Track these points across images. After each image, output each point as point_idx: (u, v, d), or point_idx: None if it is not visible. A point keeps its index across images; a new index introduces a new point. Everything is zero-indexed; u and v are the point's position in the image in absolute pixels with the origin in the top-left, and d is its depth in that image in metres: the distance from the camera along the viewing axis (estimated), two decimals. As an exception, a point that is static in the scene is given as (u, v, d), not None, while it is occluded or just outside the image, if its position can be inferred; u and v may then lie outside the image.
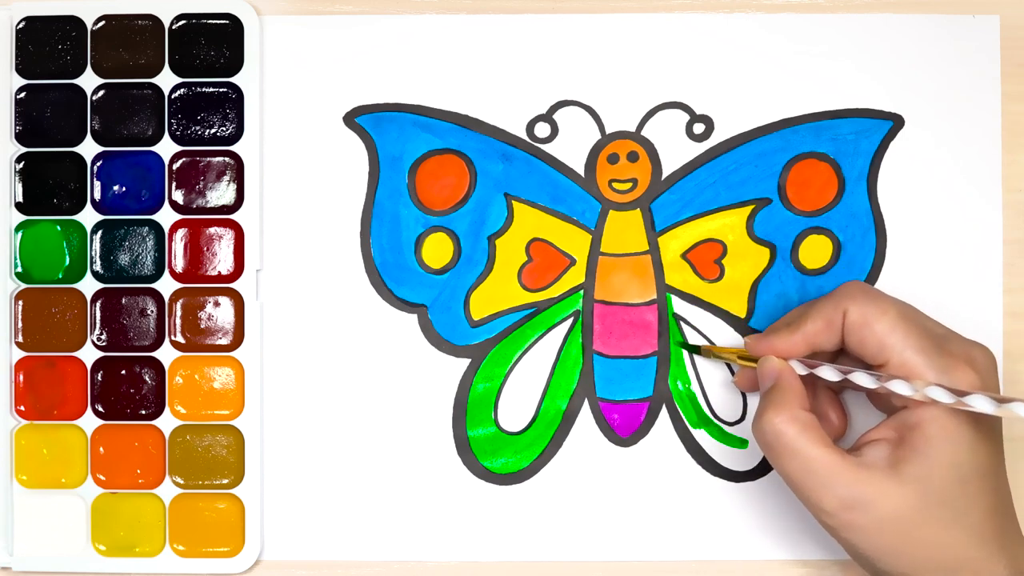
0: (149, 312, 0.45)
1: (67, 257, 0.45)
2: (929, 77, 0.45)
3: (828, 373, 0.39)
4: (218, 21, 0.45)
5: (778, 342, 0.40)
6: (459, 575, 0.45)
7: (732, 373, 0.45)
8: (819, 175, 0.45)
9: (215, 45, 0.45)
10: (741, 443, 0.45)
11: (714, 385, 0.45)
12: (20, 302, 0.45)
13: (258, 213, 0.45)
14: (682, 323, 0.45)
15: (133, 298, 0.45)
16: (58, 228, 0.45)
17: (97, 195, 0.45)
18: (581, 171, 0.45)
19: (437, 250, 0.45)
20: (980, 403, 0.36)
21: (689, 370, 0.45)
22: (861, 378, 0.38)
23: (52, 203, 0.45)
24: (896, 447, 0.38)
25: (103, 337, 0.45)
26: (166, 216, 0.45)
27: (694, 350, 0.45)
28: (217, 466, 0.45)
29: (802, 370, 0.40)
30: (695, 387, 0.45)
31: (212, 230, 0.45)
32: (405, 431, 0.45)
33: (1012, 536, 0.38)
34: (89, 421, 0.45)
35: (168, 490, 0.45)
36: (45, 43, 0.45)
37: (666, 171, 0.45)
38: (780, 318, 0.43)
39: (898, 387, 0.37)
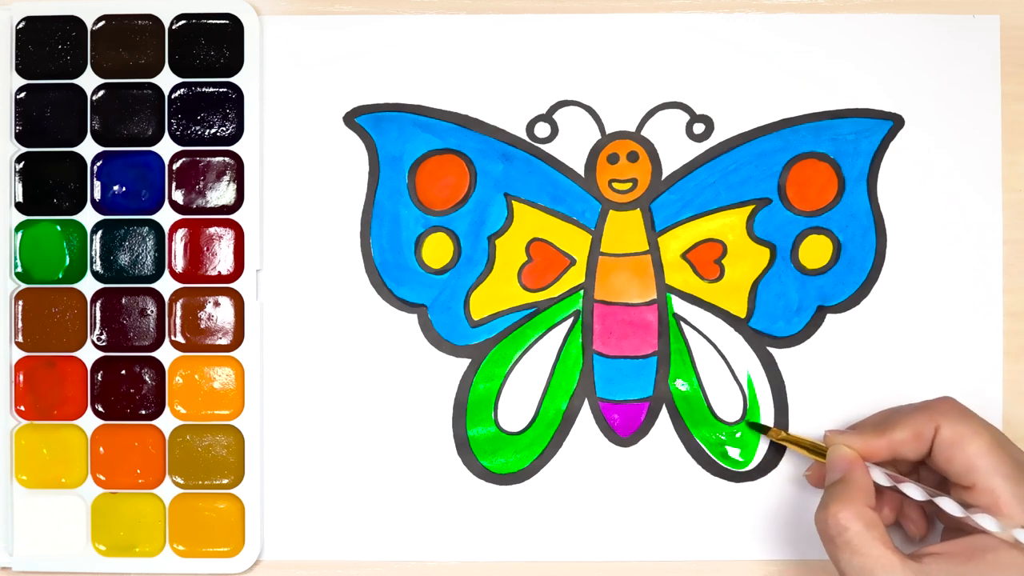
0: (149, 312, 0.45)
1: (67, 257, 0.45)
2: (929, 77, 0.45)
3: (913, 492, 0.39)
4: (218, 21, 0.45)
5: (861, 443, 0.40)
6: (459, 575, 0.45)
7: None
8: (819, 175, 0.45)
9: (215, 45, 0.45)
10: (741, 443, 0.45)
11: (714, 385, 0.45)
12: (20, 302, 0.45)
13: (258, 213, 0.45)
14: (682, 323, 0.45)
15: (133, 298, 0.45)
16: (58, 228, 0.45)
17: (97, 195, 0.45)
18: (581, 171, 0.45)
19: (437, 250, 0.45)
20: None
21: (689, 370, 0.45)
22: (948, 505, 0.38)
23: (52, 203, 0.45)
24: (960, 565, 0.37)
25: (103, 337, 0.45)
26: (166, 216, 0.45)
27: (763, 430, 0.44)
28: (217, 466, 0.45)
29: (886, 482, 0.40)
30: (695, 387, 0.45)
31: (212, 230, 0.45)
32: (405, 431, 0.45)
33: None
34: (89, 421, 0.45)
35: (168, 490, 0.45)
36: (45, 43, 0.45)
37: (666, 171, 0.45)
38: (866, 418, 0.42)
39: (985, 522, 0.37)
